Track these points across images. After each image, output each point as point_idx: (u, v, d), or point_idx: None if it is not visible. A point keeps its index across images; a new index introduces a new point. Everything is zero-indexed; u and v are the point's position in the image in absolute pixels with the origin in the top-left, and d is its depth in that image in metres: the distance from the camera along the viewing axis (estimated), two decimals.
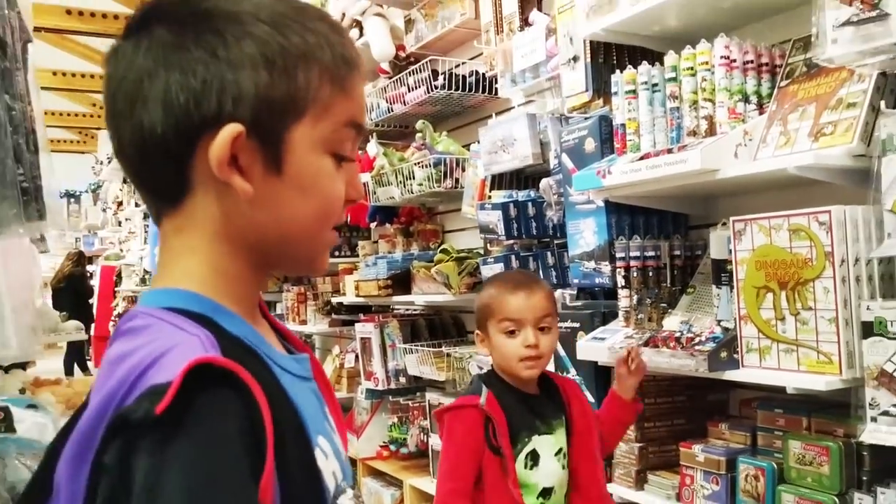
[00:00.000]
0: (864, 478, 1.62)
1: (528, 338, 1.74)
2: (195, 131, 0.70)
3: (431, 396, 3.33)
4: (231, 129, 0.69)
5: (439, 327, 3.51)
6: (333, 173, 0.76)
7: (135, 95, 0.70)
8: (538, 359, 1.76)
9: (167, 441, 0.58)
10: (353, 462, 3.98)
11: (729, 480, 1.84)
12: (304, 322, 4.58)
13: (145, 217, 8.97)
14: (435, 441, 3.21)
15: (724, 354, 1.78)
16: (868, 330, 1.52)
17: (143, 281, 9.45)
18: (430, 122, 3.22)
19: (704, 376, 1.85)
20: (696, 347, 1.81)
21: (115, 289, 10.98)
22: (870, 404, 1.52)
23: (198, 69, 0.69)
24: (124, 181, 10.39)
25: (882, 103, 1.59)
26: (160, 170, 0.72)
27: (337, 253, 4.30)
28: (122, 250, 10.34)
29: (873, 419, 1.51)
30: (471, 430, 1.71)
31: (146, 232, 8.85)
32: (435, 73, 3.09)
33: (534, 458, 1.73)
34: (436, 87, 3.05)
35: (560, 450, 1.77)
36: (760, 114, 1.87)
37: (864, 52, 1.50)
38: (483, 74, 3.04)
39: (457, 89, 3.04)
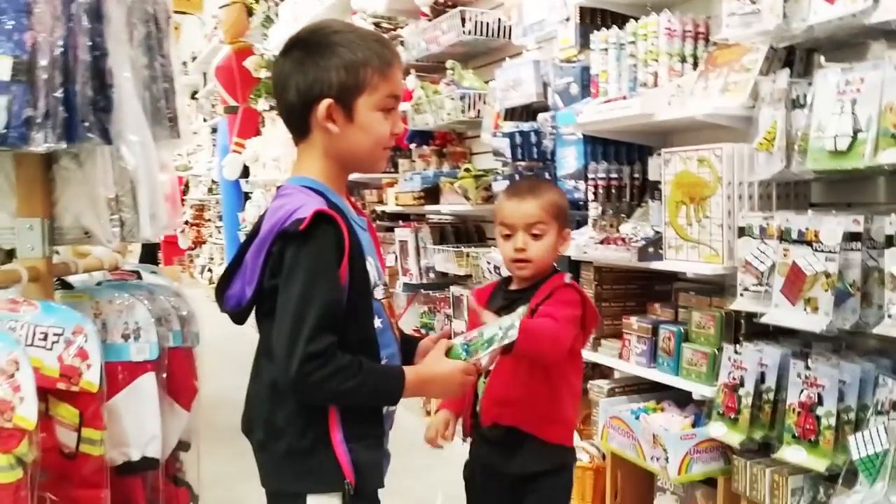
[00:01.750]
0: (740, 337, 2.29)
1: (517, 242, 1.88)
2: (310, 102, 1.43)
3: (455, 290, 4.07)
4: (325, 102, 1.42)
5: (464, 233, 4.23)
6: (382, 121, 1.47)
7: (284, 85, 1.46)
8: (527, 262, 1.89)
9: (302, 243, 1.35)
10: None
11: (652, 342, 2.52)
12: None
13: (213, 131, 9.75)
14: (457, 326, 3.95)
15: (651, 249, 2.44)
16: (741, 232, 2.16)
17: (209, 191, 10.30)
18: (458, 62, 3.85)
19: (643, 267, 2.51)
20: (632, 244, 2.47)
21: (183, 197, 11.87)
22: (739, 284, 2.17)
23: (309, 72, 1.43)
24: (192, 96, 11.17)
25: (768, 68, 2.18)
26: (296, 121, 1.48)
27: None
28: (189, 162, 11.18)
29: (741, 294, 2.17)
30: (471, 306, 2.06)
31: (214, 145, 9.65)
32: (464, 20, 3.69)
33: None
34: (464, 32, 3.66)
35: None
36: (695, 71, 2.48)
37: (748, 35, 2.10)
38: (503, 23, 3.64)
39: (481, 35, 3.66)
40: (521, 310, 1.62)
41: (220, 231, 9.53)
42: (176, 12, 3.29)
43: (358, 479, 1.40)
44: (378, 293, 1.51)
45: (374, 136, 1.47)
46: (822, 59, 1.97)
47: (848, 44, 2.07)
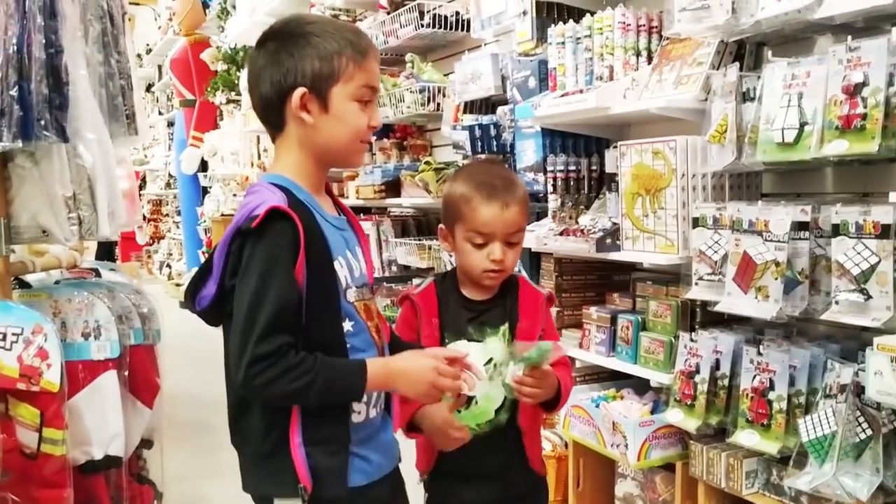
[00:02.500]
0: (696, 325, 2.35)
1: (495, 252, 1.63)
2: (284, 93, 1.39)
3: (418, 282, 4.09)
4: (299, 91, 1.38)
5: (425, 226, 4.25)
6: (359, 112, 1.42)
7: (258, 78, 1.42)
8: (502, 272, 1.67)
9: (256, 241, 1.32)
10: None
11: (611, 331, 2.57)
12: None
13: (169, 125, 9.62)
14: None
15: (609, 241, 2.49)
16: (695, 223, 2.22)
17: (167, 185, 10.17)
18: (417, 55, 3.86)
19: (601, 258, 2.56)
20: (590, 235, 2.52)
21: (140, 192, 11.71)
22: (694, 273, 2.23)
23: (283, 62, 1.39)
24: (147, 89, 11.01)
25: (719, 62, 2.24)
26: (271, 114, 1.43)
27: None
28: (145, 156, 11.02)
29: (696, 283, 2.23)
30: (405, 318, 1.73)
31: (170, 139, 9.54)
32: (422, 13, 3.71)
33: None
34: (423, 25, 3.67)
35: (490, 360, 1.60)
36: (649, 64, 2.53)
37: (699, 30, 2.15)
38: (461, 16, 3.66)
39: (440, 28, 3.67)
40: (547, 345, 1.55)
41: (179, 226, 9.42)
42: (130, 3, 3.26)
43: (316, 485, 1.36)
44: (350, 295, 1.43)
45: (350, 127, 1.41)
46: (770, 53, 2.02)
47: (795, 38, 2.14)
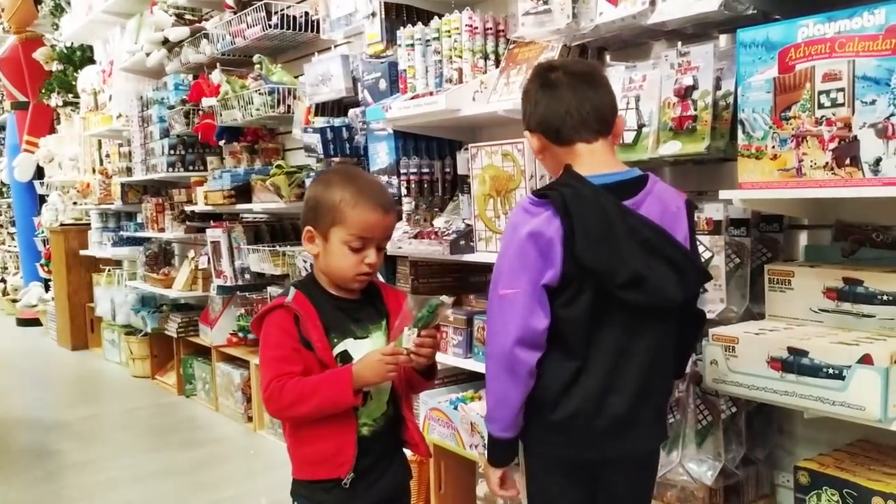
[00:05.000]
0: None
1: (371, 257, 1.66)
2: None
3: (273, 290, 3.97)
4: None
5: (279, 231, 4.13)
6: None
7: None
8: (371, 274, 1.71)
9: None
10: (207, 350, 4.61)
11: (468, 333, 2.58)
12: (162, 230, 5.07)
13: (0, 129, 8.93)
14: None
15: (462, 242, 2.49)
16: None
17: (0, 194, 9.43)
18: (266, 56, 3.75)
19: (455, 260, 2.56)
20: (444, 237, 2.52)
21: None
22: None
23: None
24: None
25: None
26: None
27: (191, 167, 4.81)
28: None
29: None
30: (283, 327, 1.65)
31: (2, 144, 8.85)
32: (269, 13, 3.60)
33: (344, 359, 1.65)
34: (271, 26, 3.57)
35: None
36: (497, 68, 2.55)
37: (542, 33, 2.19)
38: (310, 17, 3.58)
39: (288, 28, 3.57)
40: (435, 300, 1.59)
41: (14, 238, 8.76)
42: None
43: None
44: None
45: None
46: (609, 57, 2.09)
47: (633, 44, 2.21)
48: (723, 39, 1.96)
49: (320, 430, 1.64)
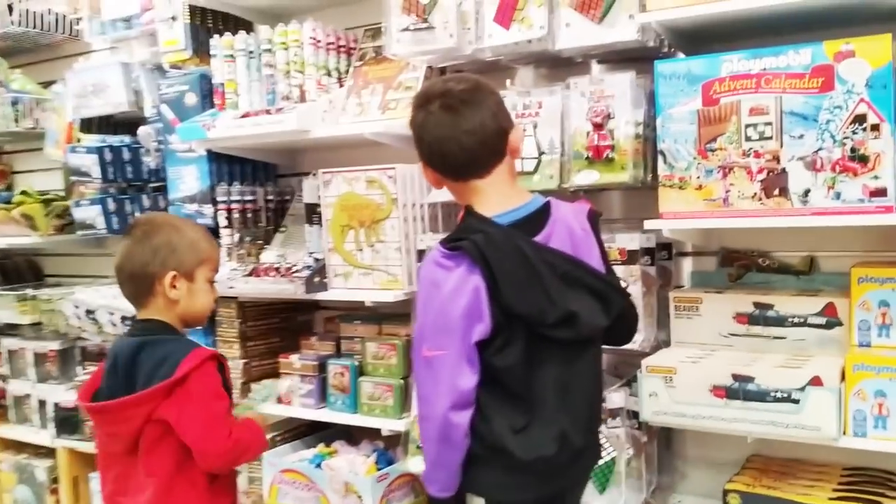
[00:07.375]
0: None
1: (216, 290, 1.77)
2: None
3: (10, 342, 3.25)
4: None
5: (13, 271, 3.40)
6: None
7: None
8: None
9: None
10: None
11: (320, 380, 2.31)
12: None
13: None
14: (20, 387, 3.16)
15: (317, 279, 2.22)
16: (421, 255, 2.09)
17: None
18: (3, 59, 3.06)
19: (297, 298, 2.28)
20: (295, 275, 2.22)
21: None
22: None
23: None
24: None
25: None
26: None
27: None
28: None
29: None
30: (218, 379, 1.64)
31: None
32: (10, 8, 2.95)
33: None
34: (12, 23, 2.92)
35: None
36: (340, 86, 2.32)
37: (418, 52, 2.03)
38: (63, 16, 3.00)
39: (34, 28, 2.96)
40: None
41: None
42: None
43: None
44: None
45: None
46: (509, 82, 1.99)
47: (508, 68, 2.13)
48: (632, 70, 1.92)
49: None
